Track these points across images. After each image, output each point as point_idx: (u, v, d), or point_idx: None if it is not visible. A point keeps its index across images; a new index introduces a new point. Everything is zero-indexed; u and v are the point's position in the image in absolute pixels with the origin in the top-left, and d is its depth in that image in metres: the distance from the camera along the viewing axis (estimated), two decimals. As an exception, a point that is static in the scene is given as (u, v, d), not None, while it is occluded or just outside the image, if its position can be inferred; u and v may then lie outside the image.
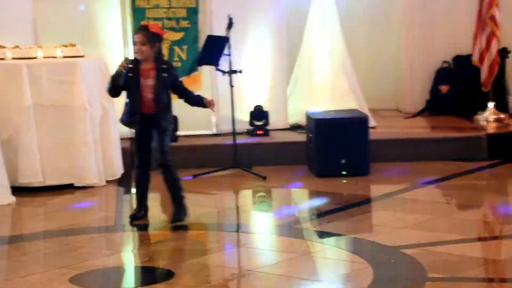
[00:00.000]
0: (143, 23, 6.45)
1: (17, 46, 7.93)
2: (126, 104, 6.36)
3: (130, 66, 6.27)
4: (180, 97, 6.46)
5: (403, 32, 10.23)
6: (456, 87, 10.01)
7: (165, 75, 6.29)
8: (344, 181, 7.82)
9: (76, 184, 7.66)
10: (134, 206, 7.07)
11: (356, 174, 7.91)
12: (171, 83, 6.34)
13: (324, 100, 9.16)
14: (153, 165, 6.43)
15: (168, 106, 6.34)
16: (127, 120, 6.38)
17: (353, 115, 8.31)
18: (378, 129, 9.00)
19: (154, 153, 6.35)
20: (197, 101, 6.48)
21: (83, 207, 7.12)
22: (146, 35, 6.25)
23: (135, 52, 6.32)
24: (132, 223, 6.42)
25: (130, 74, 6.26)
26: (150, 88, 6.26)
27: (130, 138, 8.63)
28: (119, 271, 5.57)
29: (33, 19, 8.71)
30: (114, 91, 6.38)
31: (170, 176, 6.36)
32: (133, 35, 6.42)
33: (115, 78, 6.30)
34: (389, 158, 8.40)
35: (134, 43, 6.32)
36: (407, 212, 6.72)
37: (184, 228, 6.30)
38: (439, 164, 8.32)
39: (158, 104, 6.27)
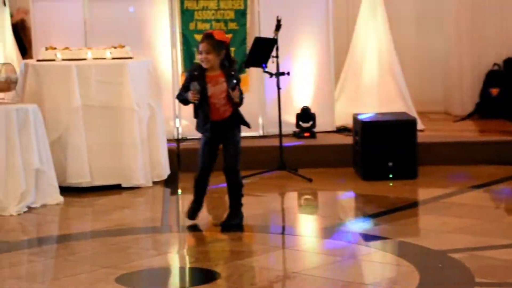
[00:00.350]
0: (208, 31, 6.45)
1: (67, 48, 8.03)
2: (197, 112, 6.34)
3: (197, 90, 6.24)
4: None
5: (453, 34, 10.13)
6: (507, 90, 9.88)
7: (235, 81, 6.31)
8: (391, 184, 7.76)
9: (124, 185, 7.72)
10: (181, 207, 7.12)
11: (403, 177, 7.85)
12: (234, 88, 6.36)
13: (372, 103, 9.12)
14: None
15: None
16: (203, 128, 6.34)
17: (401, 118, 8.25)
18: (427, 132, 8.93)
19: (226, 157, 6.34)
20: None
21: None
22: (212, 44, 6.25)
23: (200, 61, 6.29)
24: (192, 218, 6.42)
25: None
26: (221, 94, 6.27)
27: (177, 140, 8.68)
28: (165, 272, 5.59)
29: (83, 21, 8.81)
30: (184, 104, 6.46)
31: (235, 181, 6.36)
32: (198, 43, 6.39)
33: (183, 101, 6.35)
34: (437, 162, 8.33)
35: (200, 52, 6.29)
36: (455, 216, 6.65)
37: (236, 230, 6.30)
38: (488, 168, 8.22)
39: (233, 109, 6.29)
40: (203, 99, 6.25)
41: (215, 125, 6.30)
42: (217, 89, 6.27)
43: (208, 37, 6.33)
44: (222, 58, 6.29)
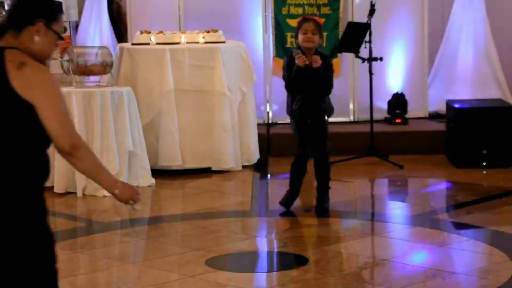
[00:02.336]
0: (308, 16, 6.44)
1: (161, 32, 8.11)
2: (295, 97, 6.22)
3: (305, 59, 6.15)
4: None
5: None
6: None
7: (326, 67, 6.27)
8: (485, 172, 7.61)
9: (214, 168, 7.77)
10: (270, 191, 7.13)
11: (497, 165, 7.68)
12: None
13: (466, 89, 8.94)
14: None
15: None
16: (299, 115, 6.23)
17: (496, 104, 8.07)
18: (523, 120, 8.70)
19: (317, 141, 6.32)
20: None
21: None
22: (317, 26, 6.21)
23: (304, 41, 6.14)
24: (287, 208, 6.38)
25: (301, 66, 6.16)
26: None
27: (267, 124, 8.70)
28: (254, 255, 5.62)
29: (178, 5, 8.89)
30: (295, 88, 6.22)
31: (324, 164, 6.35)
32: (301, 24, 6.21)
33: (296, 76, 6.14)
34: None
35: (304, 32, 6.14)
36: (551, 206, 6.48)
37: (326, 215, 6.28)
38: None
39: (325, 94, 6.26)
40: (308, 82, 6.17)
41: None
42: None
43: (311, 19, 6.31)
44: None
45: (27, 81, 3.01)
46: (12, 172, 3.01)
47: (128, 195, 3.19)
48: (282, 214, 6.35)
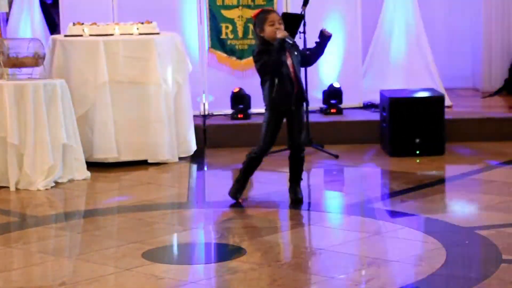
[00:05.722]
0: (267, 8, 6.42)
1: (94, 23, 8.03)
2: (274, 85, 6.15)
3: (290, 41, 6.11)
4: (308, 65, 6.54)
5: (483, 8, 10.00)
6: (536, 65, 9.77)
7: (296, 53, 6.26)
8: (418, 160, 7.73)
9: (150, 161, 7.74)
10: (207, 183, 7.12)
11: (430, 153, 7.81)
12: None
13: (399, 79, 9.06)
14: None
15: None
16: (280, 102, 6.18)
17: (429, 94, 8.19)
18: (454, 108, 8.86)
19: (294, 133, 6.31)
20: (318, 48, 6.33)
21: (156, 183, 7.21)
22: (279, 15, 6.26)
23: (274, 32, 6.07)
24: (236, 199, 6.41)
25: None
26: (291, 67, 6.21)
27: (204, 115, 8.68)
28: (191, 247, 5.62)
29: (111, -4, 8.81)
30: (277, 67, 6.12)
31: (302, 156, 6.38)
32: (263, 16, 6.15)
33: (274, 65, 6.08)
34: (465, 138, 8.27)
35: (272, 23, 6.11)
36: (482, 193, 6.61)
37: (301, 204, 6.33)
38: (516, 144, 8.16)
39: (299, 83, 6.24)
40: (285, 71, 6.14)
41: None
42: (289, 61, 6.20)
43: (273, 10, 6.37)
44: None
45: None
46: None
47: None
48: (232, 206, 6.36)
